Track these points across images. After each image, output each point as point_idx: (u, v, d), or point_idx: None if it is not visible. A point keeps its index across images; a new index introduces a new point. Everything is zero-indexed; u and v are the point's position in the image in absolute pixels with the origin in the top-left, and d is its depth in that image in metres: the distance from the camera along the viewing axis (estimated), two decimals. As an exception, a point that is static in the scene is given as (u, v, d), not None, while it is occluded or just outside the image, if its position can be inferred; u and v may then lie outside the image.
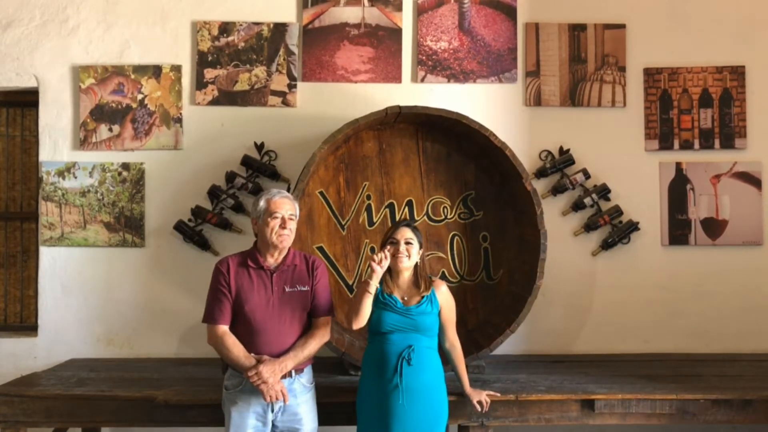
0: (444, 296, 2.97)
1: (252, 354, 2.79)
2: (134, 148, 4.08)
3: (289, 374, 2.82)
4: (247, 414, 2.79)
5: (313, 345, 2.87)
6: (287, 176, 4.02)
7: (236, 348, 2.79)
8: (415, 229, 2.96)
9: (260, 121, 4.08)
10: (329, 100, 4.10)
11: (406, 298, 2.92)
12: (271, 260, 2.90)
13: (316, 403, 2.96)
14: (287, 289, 2.87)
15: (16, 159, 4.34)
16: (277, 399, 2.75)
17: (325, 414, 3.02)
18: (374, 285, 2.80)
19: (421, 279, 2.95)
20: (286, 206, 2.88)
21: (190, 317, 4.02)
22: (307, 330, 2.91)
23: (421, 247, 2.95)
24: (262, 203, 2.89)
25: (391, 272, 2.96)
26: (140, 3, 4.12)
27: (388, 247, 2.87)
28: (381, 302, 2.92)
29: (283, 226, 2.85)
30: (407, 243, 2.89)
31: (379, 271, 2.79)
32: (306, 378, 2.91)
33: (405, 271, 2.93)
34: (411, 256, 2.90)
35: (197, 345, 4.03)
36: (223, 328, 2.83)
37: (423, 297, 2.91)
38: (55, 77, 4.09)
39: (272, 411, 2.81)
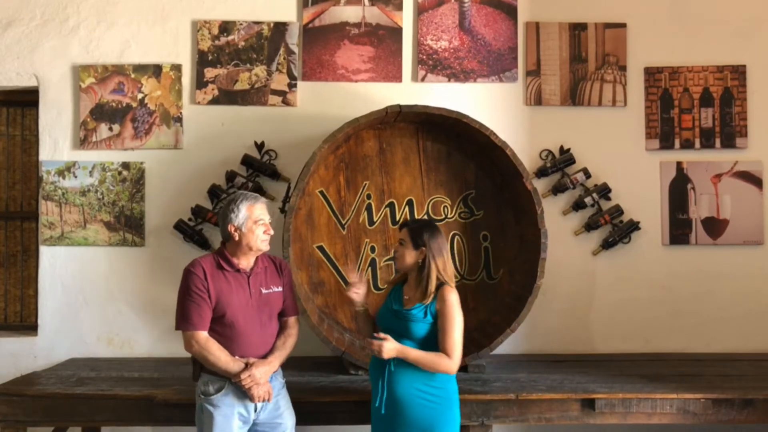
0: (442, 304, 2.74)
1: (237, 357, 2.78)
2: (134, 148, 4.08)
3: None
4: (232, 417, 2.77)
5: (291, 343, 2.92)
6: (287, 175, 4.02)
7: (222, 353, 2.75)
8: (415, 229, 2.81)
9: (260, 120, 4.08)
10: (329, 100, 4.09)
11: (407, 298, 2.85)
12: (246, 263, 2.88)
13: (316, 401, 3.00)
14: (264, 291, 2.87)
15: (16, 158, 4.34)
16: (265, 399, 2.77)
17: (326, 414, 3.03)
18: (358, 304, 2.91)
19: (420, 284, 2.78)
20: (266, 211, 2.88)
21: (191, 317, 4.02)
22: (280, 329, 2.93)
23: (419, 248, 2.77)
24: (243, 211, 2.81)
25: None
26: (140, 2, 4.12)
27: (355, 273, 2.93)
28: (388, 298, 2.92)
29: (267, 231, 2.86)
30: (400, 243, 2.84)
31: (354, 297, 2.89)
32: (281, 374, 2.94)
33: (406, 271, 2.86)
34: (403, 257, 2.80)
35: (197, 344, 4.03)
36: (206, 335, 2.78)
37: (419, 302, 2.78)
38: (55, 76, 4.09)
39: (255, 411, 2.81)
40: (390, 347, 2.69)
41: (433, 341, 2.75)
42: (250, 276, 2.86)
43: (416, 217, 3.86)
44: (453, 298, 2.74)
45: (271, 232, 2.88)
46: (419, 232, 2.79)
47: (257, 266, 2.89)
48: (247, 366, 2.75)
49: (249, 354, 2.80)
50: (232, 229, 2.82)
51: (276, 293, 2.90)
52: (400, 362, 2.73)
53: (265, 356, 2.82)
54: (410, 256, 2.79)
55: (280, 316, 2.95)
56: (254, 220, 2.82)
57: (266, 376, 2.76)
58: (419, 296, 2.77)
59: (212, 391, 2.78)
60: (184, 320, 2.79)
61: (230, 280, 2.82)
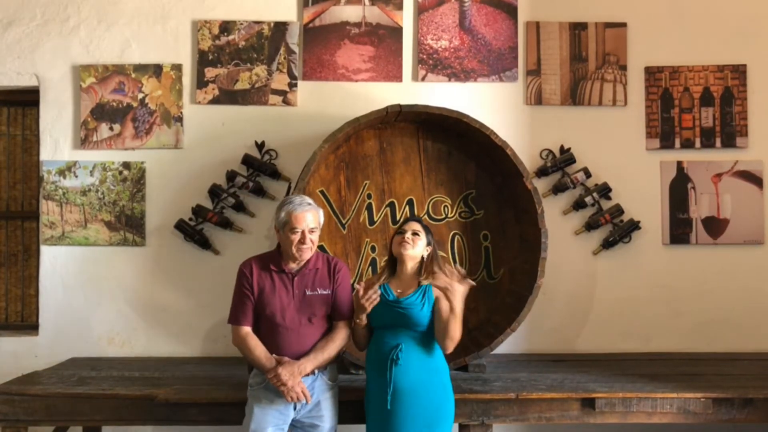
0: (439, 287, 2.88)
1: (273, 355, 2.84)
2: (135, 147, 4.08)
3: (312, 372, 2.86)
4: (269, 411, 2.83)
5: (333, 347, 2.91)
6: (288, 175, 4.02)
7: (258, 349, 2.84)
8: (426, 227, 3.00)
9: (261, 120, 4.08)
10: (330, 99, 4.10)
11: (400, 291, 2.92)
12: (293, 265, 2.93)
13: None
14: (308, 293, 2.90)
15: (17, 158, 4.34)
16: (298, 400, 2.80)
17: (326, 413, 3.02)
18: (362, 318, 2.86)
19: (425, 272, 2.92)
20: (307, 219, 2.87)
21: (191, 316, 4.03)
22: (327, 332, 2.94)
23: (429, 244, 2.95)
24: (283, 215, 2.88)
25: (397, 263, 2.98)
26: (141, 2, 4.12)
27: (375, 289, 2.84)
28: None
29: (302, 241, 2.86)
30: (414, 234, 2.92)
31: (367, 308, 2.83)
32: (328, 376, 2.95)
33: (409, 261, 2.93)
34: (416, 246, 2.91)
35: (198, 344, 4.04)
36: (246, 330, 2.89)
37: (416, 289, 2.89)
38: (56, 76, 4.09)
39: (294, 409, 2.85)
40: (461, 289, 2.76)
41: (432, 326, 2.87)
42: (296, 276, 2.91)
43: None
44: (446, 281, 2.92)
45: (308, 243, 2.86)
46: (429, 230, 3.02)
47: (306, 267, 2.93)
48: (277, 365, 2.80)
49: (286, 353, 2.84)
50: (275, 230, 2.96)
51: (321, 296, 2.91)
52: (408, 355, 2.80)
53: (301, 357, 2.84)
54: (422, 248, 2.94)
55: (333, 318, 2.96)
56: (291, 227, 2.85)
57: (293, 378, 2.77)
58: (420, 280, 2.90)
59: (255, 384, 2.89)
60: (231, 315, 2.95)
61: (275, 279, 2.90)
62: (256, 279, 2.90)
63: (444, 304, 2.80)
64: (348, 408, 3.06)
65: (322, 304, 2.92)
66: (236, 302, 2.94)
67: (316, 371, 2.87)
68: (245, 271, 2.94)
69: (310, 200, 2.95)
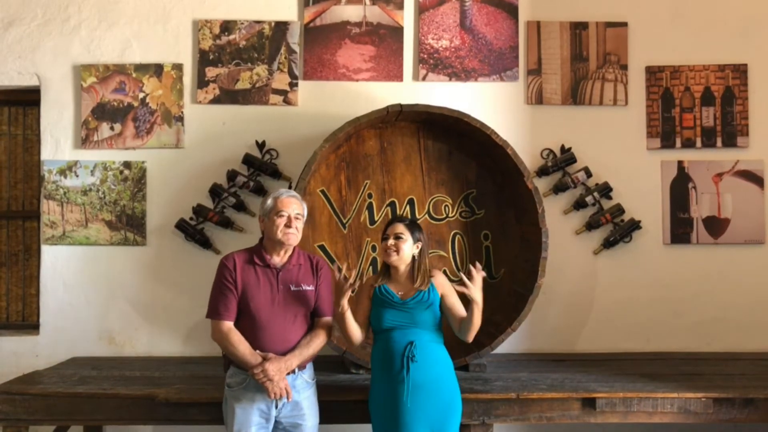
0: (442, 285, 2.95)
1: (257, 351, 2.82)
2: (136, 147, 4.09)
3: (292, 371, 2.84)
4: (251, 410, 2.81)
5: (317, 344, 2.91)
6: (288, 175, 4.02)
7: (242, 345, 2.81)
8: (410, 224, 2.96)
9: (261, 119, 4.08)
10: (330, 99, 4.10)
11: (402, 293, 2.92)
12: (277, 259, 2.92)
13: (318, 400, 2.98)
14: (292, 288, 2.89)
15: (18, 158, 4.34)
16: (281, 396, 2.77)
17: (327, 412, 3.03)
18: (344, 304, 2.82)
19: (418, 273, 2.92)
20: (293, 205, 2.90)
21: (192, 315, 4.02)
22: (310, 329, 2.94)
23: (416, 242, 2.92)
24: (269, 201, 2.92)
25: (389, 267, 2.98)
26: (141, 2, 4.12)
27: (346, 266, 2.85)
28: (379, 298, 2.94)
29: (288, 224, 2.87)
30: (397, 238, 2.90)
31: (348, 292, 2.81)
32: (308, 374, 2.94)
33: (400, 265, 2.93)
34: (400, 251, 2.89)
35: (198, 343, 4.04)
36: (229, 325, 2.85)
37: (419, 290, 2.91)
38: (56, 76, 4.10)
39: (276, 407, 2.83)
40: (478, 281, 2.83)
41: (441, 323, 2.94)
42: (280, 272, 2.89)
43: (417, 216, 3.86)
44: (445, 277, 3.03)
45: (294, 228, 2.87)
46: (415, 226, 2.98)
47: (290, 263, 2.92)
48: (263, 361, 2.78)
49: (269, 349, 2.82)
50: (260, 221, 2.95)
51: (305, 291, 2.91)
52: (422, 352, 2.82)
53: (286, 353, 2.83)
54: (410, 249, 2.92)
55: (315, 315, 2.96)
56: (276, 211, 2.87)
57: (280, 374, 2.76)
58: (419, 284, 2.91)
59: (234, 384, 2.85)
60: (211, 309, 2.89)
61: (259, 274, 2.88)
62: (240, 273, 2.86)
63: (452, 301, 2.92)
64: (352, 408, 3.06)
65: (306, 301, 2.91)
66: (217, 296, 2.87)
67: (297, 370, 2.86)
68: (228, 264, 2.89)
69: (296, 193, 3.01)
